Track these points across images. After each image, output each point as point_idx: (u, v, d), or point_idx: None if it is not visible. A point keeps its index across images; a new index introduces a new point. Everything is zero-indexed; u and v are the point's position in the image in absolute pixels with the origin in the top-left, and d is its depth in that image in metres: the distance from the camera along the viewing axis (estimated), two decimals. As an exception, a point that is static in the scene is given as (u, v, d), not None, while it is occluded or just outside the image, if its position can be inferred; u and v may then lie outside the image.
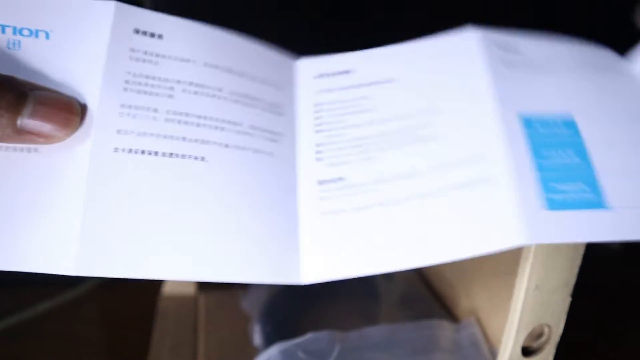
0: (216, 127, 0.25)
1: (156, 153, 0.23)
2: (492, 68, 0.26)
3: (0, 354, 0.38)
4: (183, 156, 0.24)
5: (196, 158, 0.24)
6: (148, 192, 0.23)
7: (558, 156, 0.24)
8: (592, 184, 0.23)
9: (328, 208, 0.25)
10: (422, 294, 0.38)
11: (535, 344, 0.25)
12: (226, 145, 0.25)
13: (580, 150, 0.24)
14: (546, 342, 0.25)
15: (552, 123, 0.25)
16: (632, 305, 0.43)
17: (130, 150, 0.23)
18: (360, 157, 0.26)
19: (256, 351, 0.33)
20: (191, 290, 0.43)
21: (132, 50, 0.24)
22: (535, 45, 0.28)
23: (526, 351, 0.25)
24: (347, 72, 0.29)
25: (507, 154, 0.23)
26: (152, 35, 0.25)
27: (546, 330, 0.25)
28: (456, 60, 0.27)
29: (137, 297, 0.40)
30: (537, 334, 0.25)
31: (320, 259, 0.25)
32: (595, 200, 0.23)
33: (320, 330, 0.30)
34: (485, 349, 0.30)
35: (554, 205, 0.22)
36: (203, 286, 0.43)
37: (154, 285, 0.42)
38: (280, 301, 0.38)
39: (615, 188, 0.23)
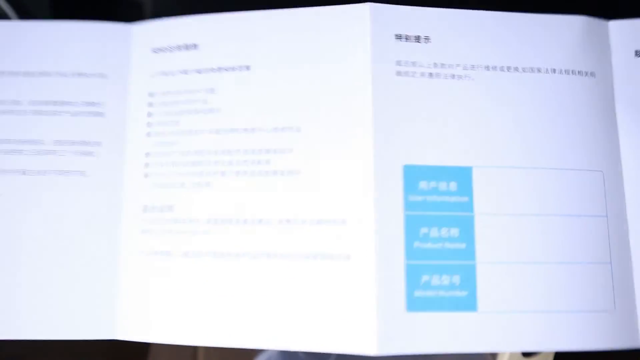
0: (12, 151, 0.21)
1: None
2: (380, 77, 0.20)
3: (0, 354, 0.38)
4: None
5: None
6: None
7: (440, 238, 0.19)
8: (470, 278, 0.19)
9: (151, 247, 0.21)
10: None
11: (534, 344, 0.25)
12: (23, 172, 0.21)
13: (468, 231, 0.19)
14: (546, 342, 0.25)
15: (443, 185, 0.19)
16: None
17: None
18: (194, 181, 0.21)
19: (256, 351, 0.33)
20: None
21: None
22: (455, 37, 0.21)
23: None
24: (192, 46, 0.22)
25: (375, 227, 0.19)
26: None
27: (545, 330, 0.25)
28: (334, 52, 0.20)
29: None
30: (536, 334, 0.25)
31: (137, 317, 0.20)
32: (466, 301, 0.18)
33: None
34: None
35: (417, 306, 0.18)
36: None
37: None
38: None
39: (488, 286, 0.19)
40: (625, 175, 0.20)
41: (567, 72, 0.21)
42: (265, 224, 0.20)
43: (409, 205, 0.19)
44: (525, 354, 0.25)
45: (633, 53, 0.21)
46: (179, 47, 0.22)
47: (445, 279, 0.19)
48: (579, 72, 0.21)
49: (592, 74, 0.21)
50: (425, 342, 0.18)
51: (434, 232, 0.19)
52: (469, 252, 0.19)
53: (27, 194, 0.21)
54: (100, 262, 0.21)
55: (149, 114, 0.22)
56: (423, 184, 0.19)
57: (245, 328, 0.19)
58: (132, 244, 0.21)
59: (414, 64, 0.20)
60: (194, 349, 0.37)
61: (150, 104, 0.22)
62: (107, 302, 0.21)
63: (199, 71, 0.22)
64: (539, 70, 0.21)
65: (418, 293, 0.18)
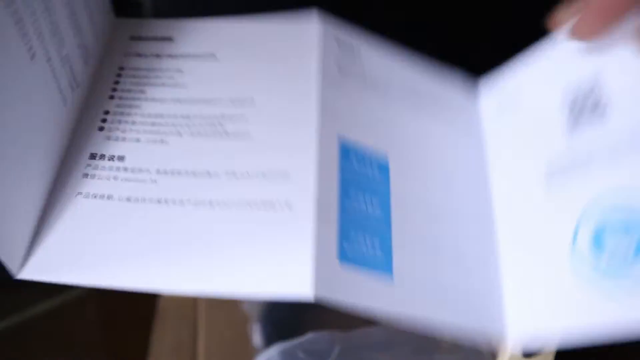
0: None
1: None
2: (325, 70, 0.23)
3: (0, 353, 0.38)
4: None
5: None
6: None
7: (363, 201, 0.21)
8: (386, 244, 0.21)
9: (91, 190, 0.20)
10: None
11: (535, 344, 0.25)
12: (33, 56, 0.19)
13: (385, 203, 0.22)
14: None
15: (367, 160, 0.22)
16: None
17: None
18: (150, 138, 0.22)
19: (256, 351, 0.33)
20: (191, 290, 0.43)
21: None
22: (378, 57, 0.25)
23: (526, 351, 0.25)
24: (168, 39, 0.25)
25: (315, 180, 0.20)
26: None
27: (546, 330, 0.25)
28: (288, 48, 0.24)
29: (137, 297, 0.40)
30: (537, 334, 0.25)
31: (55, 251, 0.19)
32: (383, 263, 0.20)
33: (320, 330, 0.30)
34: (485, 349, 0.30)
35: (346, 256, 0.20)
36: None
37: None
38: (280, 301, 0.38)
39: (404, 256, 0.21)
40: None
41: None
42: (213, 177, 0.21)
43: (342, 169, 0.21)
44: (526, 354, 0.25)
45: None
46: (156, 39, 0.25)
47: (367, 238, 0.21)
48: None
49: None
50: (349, 294, 0.19)
51: (360, 196, 0.21)
52: (386, 222, 0.21)
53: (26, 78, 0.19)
54: (26, 197, 0.19)
55: (116, 82, 0.24)
56: (352, 154, 0.22)
57: (182, 272, 0.19)
58: (72, 185, 0.21)
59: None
60: (194, 350, 0.37)
61: (119, 75, 0.24)
62: (19, 236, 0.19)
63: (171, 56, 0.24)
64: None
65: (346, 245, 0.20)
